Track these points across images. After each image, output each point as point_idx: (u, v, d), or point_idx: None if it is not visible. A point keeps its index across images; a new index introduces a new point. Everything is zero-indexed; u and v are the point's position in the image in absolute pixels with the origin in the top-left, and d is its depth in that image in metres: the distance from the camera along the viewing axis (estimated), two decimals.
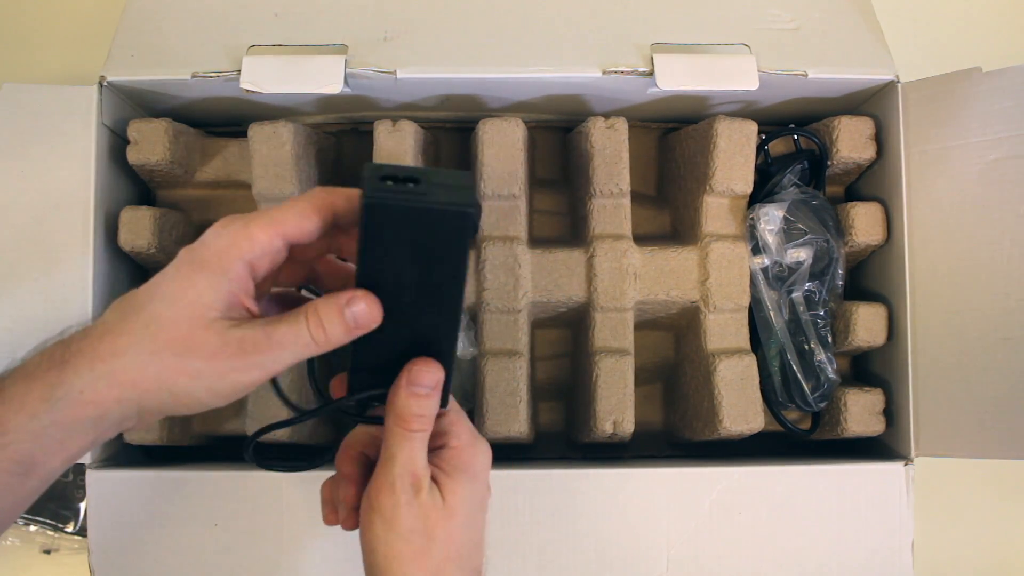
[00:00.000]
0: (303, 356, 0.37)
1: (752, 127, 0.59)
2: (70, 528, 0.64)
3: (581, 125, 0.61)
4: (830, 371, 0.60)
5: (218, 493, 0.54)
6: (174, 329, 0.36)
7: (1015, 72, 0.54)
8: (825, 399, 0.60)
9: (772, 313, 0.60)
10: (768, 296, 0.60)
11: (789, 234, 0.59)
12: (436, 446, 0.41)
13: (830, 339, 0.61)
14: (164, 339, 0.36)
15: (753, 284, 0.60)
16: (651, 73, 0.55)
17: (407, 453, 0.39)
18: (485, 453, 0.43)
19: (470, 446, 0.42)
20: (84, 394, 0.35)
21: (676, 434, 0.64)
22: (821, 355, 0.60)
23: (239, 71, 0.55)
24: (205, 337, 0.36)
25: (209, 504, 0.53)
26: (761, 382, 0.58)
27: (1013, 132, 0.54)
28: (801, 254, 0.60)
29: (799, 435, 0.63)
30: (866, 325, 0.59)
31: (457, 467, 0.41)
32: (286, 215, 0.37)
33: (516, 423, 0.57)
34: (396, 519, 0.39)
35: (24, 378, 0.36)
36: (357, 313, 0.37)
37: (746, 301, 0.59)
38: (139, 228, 0.57)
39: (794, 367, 0.60)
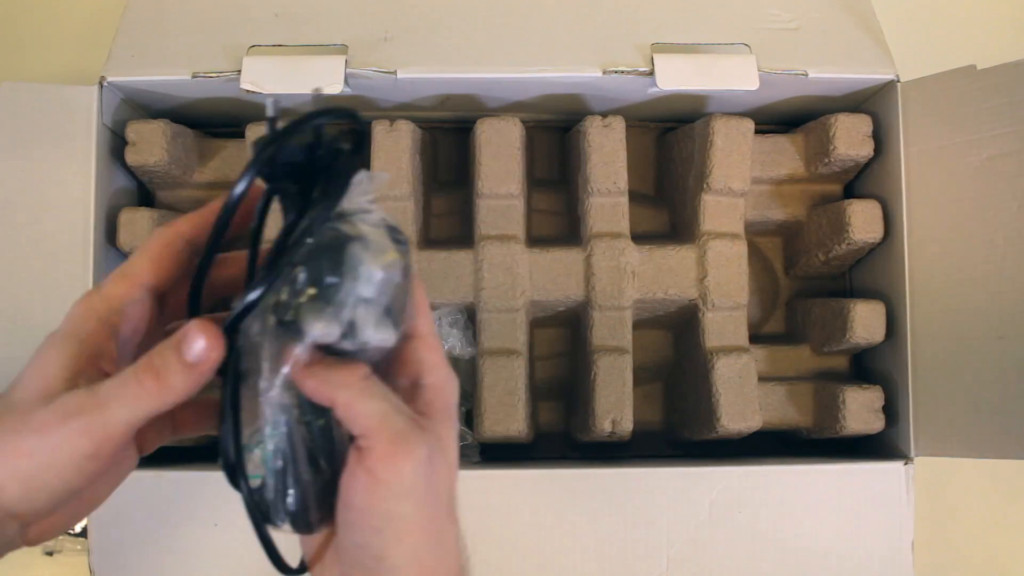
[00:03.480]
0: (143, 412, 0.31)
1: (749, 124, 0.59)
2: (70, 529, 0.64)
3: (579, 124, 0.61)
4: None
5: (218, 493, 0.54)
6: (21, 409, 0.31)
7: (1009, 69, 0.53)
8: None
9: None
10: None
11: None
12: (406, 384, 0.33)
13: None
14: (9, 424, 0.31)
15: None
16: (651, 73, 0.55)
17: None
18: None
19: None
20: None
21: (676, 433, 0.64)
22: None
23: (239, 71, 0.55)
24: (38, 410, 0.31)
25: (209, 504, 0.53)
26: None
27: (1007, 129, 0.53)
28: None
29: None
30: (864, 323, 0.59)
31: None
32: (138, 263, 0.33)
33: (515, 423, 0.57)
34: None
35: None
36: (196, 352, 0.30)
37: (744, 299, 0.59)
38: (138, 229, 0.57)
39: None
